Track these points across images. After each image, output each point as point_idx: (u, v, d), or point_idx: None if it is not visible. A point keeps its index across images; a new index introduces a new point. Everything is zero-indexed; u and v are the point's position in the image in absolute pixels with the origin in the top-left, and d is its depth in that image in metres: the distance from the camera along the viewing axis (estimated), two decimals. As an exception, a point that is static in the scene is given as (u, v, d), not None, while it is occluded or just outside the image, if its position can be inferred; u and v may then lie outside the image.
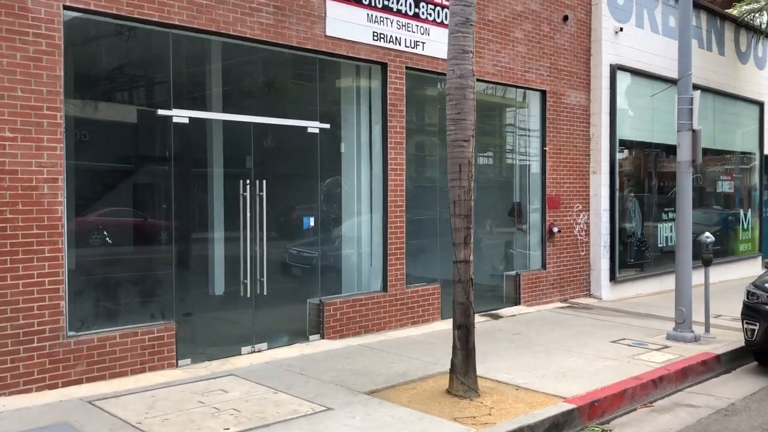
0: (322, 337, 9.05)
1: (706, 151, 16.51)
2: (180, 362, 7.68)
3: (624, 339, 9.58)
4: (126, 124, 8.13)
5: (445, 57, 10.29)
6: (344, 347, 8.77)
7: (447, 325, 10.18)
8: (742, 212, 17.75)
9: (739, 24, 17.03)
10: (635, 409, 7.18)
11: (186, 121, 7.77)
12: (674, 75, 14.58)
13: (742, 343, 9.31)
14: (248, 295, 8.35)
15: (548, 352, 8.76)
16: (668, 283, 14.53)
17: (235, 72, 9.07)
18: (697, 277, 9.75)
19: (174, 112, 7.70)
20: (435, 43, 10.21)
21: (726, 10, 16.93)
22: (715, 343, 9.35)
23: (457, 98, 6.72)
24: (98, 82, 7.88)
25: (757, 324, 8.50)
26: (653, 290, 14.21)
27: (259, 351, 8.41)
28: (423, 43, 10.07)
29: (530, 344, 9.15)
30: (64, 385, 6.80)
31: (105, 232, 7.74)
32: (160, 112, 7.66)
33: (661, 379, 7.75)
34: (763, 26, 17.35)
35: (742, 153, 17.94)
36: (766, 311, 8.44)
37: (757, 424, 6.72)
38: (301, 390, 6.93)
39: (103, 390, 6.81)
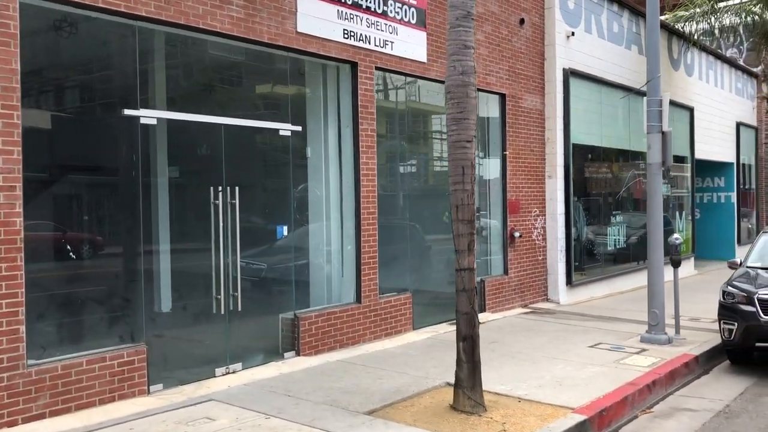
0: (298, 354, 8.47)
1: (645, 156, 16.95)
2: (152, 388, 6.95)
3: (600, 343, 9.48)
4: (89, 125, 7.32)
5: (413, 58, 10.09)
6: (323, 364, 8.23)
7: (418, 336, 9.85)
8: (677, 214, 18.27)
9: (671, 31, 17.56)
10: (636, 416, 7.03)
11: (154, 122, 7.08)
12: (618, 80, 14.93)
13: (715, 343, 9.41)
14: (221, 312, 7.68)
15: (533, 360, 8.52)
16: (617, 285, 14.78)
17: (205, 70, 8.40)
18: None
19: (141, 112, 6.98)
20: (403, 43, 9.86)
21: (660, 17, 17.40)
22: (688, 345, 9.38)
23: (459, 96, 6.37)
24: (58, 79, 7.06)
25: (735, 324, 8.56)
26: (604, 293, 14.35)
27: (234, 372, 7.76)
28: (392, 42, 9.69)
29: (512, 353, 8.89)
30: (25, 421, 5.98)
31: (68, 246, 6.91)
32: (127, 111, 6.93)
33: (654, 384, 7.64)
34: (693, 35, 17.95)
35: (676, 157, 18.48)
36: (743, 311, 8.51)
37: (763, 425, 6.68)
38: (295, 413, 6.37)
39: (70, 424, 6.04)
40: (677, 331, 9.80)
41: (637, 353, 8.89)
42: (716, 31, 21.31)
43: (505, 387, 7.27)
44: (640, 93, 15.55)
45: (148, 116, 7.01)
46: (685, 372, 8.43)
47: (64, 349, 6.56)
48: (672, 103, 17.51)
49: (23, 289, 6.01)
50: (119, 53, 7.28)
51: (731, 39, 23.82)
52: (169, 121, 7.34)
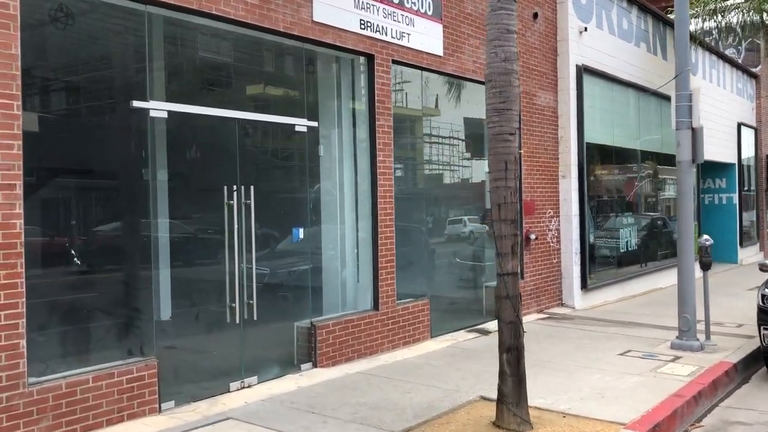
0: (315, 365, 7.90)
1: (655, 156, 16.59)
2: (163, 406, 6.36)
3: (630, 351, 9.00)
4: (95, 118, 6.72)
5: (429, 51, 9.57)
6: (343, 376, 7.67)
7: (438, 344, 9.32)
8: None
9: (678, 29, 17.21)
10: None
11: (164, 115, 6.49)
12: (628, 78, 14.53)
13: (749, 350, 8.99)
14: (236, 321, 7.10)
15: (566, 369, 8.01)
16: (630, 288, 14.35)
17: (218, 61, 7.82)
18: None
19: (151, 104, 6.40)
20: (419, 35, 9.34)
21: (669, 17, 17.06)
22: (721, 351, 8.93)
23: (501, 85, 5.86)
24: (60, 67, 6.45)
25: (778, 329, 8.12)
26: (617, 297, 13.92)
27: (249, 386, 7.18)
28: (408, 34, 9.17)
29: (541, 362, 8.38)
30: (26, 446, 5.37)
31: (72, 251, 6.30)
32: (135, 104, 6.34)
33: (699, 395, 7.16)
34: (699, 34, 17.63)
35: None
36: (785, 316, 8.08)
37: (827, 440, 6.22)
38: (324, 433, 5.82)
39: (77, 449, 5.43)
40: (708, 337, 9.34)
41: (672, 361, 8.42)
42: (715, 31, 21.02)
43: (544, 400, 6.76)
44: (658, 95, 15.25)
45: (158, 109, 6.42)
46: (726, 381, 7.96)
47: (68, 365, 5.95)
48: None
49: (24, 299, 5.40)
50: (128, 41, 6.70)
51: (730, 39, 23.62)
52: (181, 114, 6.75)
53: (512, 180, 5.87)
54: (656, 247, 16.35)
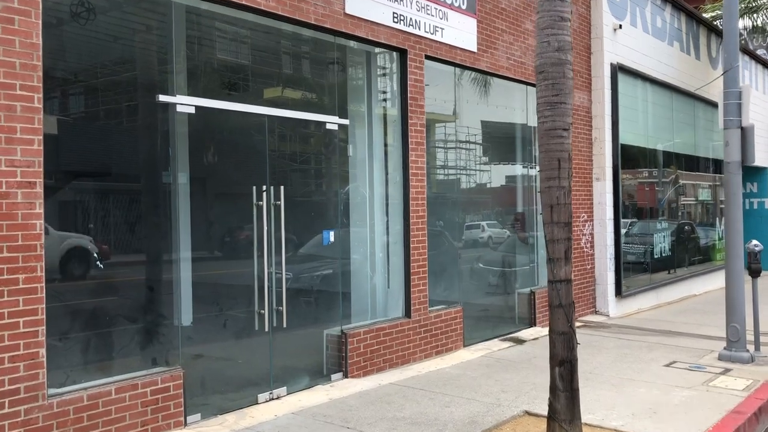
0: (345, 375, 7.51)
1: (688, 159, 16.07)
2: (189, 419, 5.98)
3: (675, 362, 8.53)
4: (118, 112, 6.38)
5: (463, 46, 9.17)
6: (376, 387, 7.26)
7: (471, 354, 8.89)
8: (717, 221, 17.36)
9: (711, 28, 16.71)
10: (750, 451, 6.08)
11: (192, 110, 6.13)
12: (662, 77, 14.04)
13: (803, 362, 8.49)
14: (265, 329, 6.71)
15: (609, 381, 7.56)
16: (664, 296, 13.86)
17: (247, 54, 7.45)
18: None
19: (178, 98, 6.04)
20: (453, 30, 8.94)
21: (703, 15, 16.58)
22: (774, 363, 8.45)
23: (554, 76, 5.44)
24: (82, 58, 6.11)
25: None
26: (651, 304, 13.42)
27: (278, 398, 6.79)
28: (441, 29, 8.77)
29: (582, 373, 7.84)
30: (45, 462, 5.00)
31: (94, 254, 5.94)
32: (162, 98, 5.98)
33: (760, 411, 6.69)
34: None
35: (716, 161, 17.61)
36: None
37: None
38: (362, 451, 5.41)
39: (99, 466, 5.06)
40: (757, 348, 8.85)
41: (723, 374, 7.94)
42: (744, 32, 20.46)
43: (594, 416, 6.31)
44: (693, 96, 14.74)
45: (185, 103, 6.06)
46: (783, 396, 7.48)
47: (89, 375, 5.59)
48: (710, 103, 16.76)
49: (44, 305, 5.04)
50: (152, 33, 6.35)
51: (759, 39, 23.05)
52: (208, 110, 6.39)
53: (566, 179, 5.44)
54: (689, 253, 15.83)
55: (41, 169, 5.04)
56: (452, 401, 6.76)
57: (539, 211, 11.02)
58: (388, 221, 8.49)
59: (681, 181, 15.61)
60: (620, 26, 12.43)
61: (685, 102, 15.24)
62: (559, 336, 5.48)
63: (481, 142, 10.51)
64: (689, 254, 15.86)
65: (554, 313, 5.51)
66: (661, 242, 14.16)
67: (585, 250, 11.87)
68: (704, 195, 16.96)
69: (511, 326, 10.32)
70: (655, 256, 13.88)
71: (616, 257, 12.22)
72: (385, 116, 8.53)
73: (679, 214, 15.96)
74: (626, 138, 12.77)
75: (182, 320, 7.02)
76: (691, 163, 16.18)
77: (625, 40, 12.69)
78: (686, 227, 16.56)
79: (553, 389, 5.52)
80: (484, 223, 11.01)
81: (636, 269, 13.37)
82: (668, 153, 14.79)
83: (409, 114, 8.32)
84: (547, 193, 5.49)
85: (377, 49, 8.27)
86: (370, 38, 7.81)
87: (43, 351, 5.02)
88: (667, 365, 8.38)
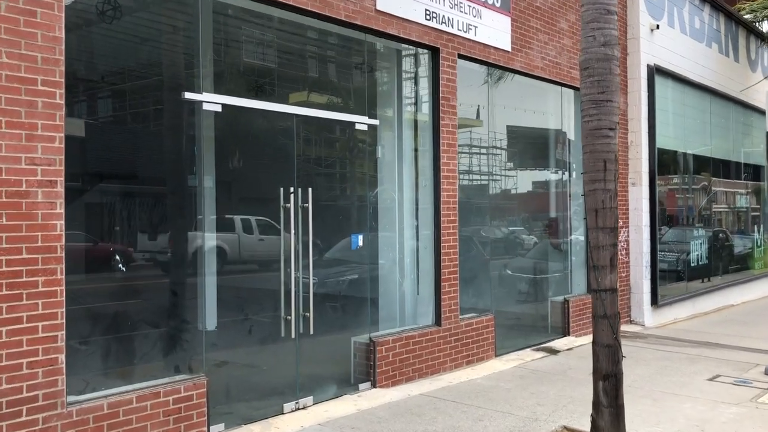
0: (374, 385, 7.23)
1: (725, 164, 15.58)
2: (212, 429, 5.74)
3: (719, 376, 8.12)
4: (143, 110, 6.19)
5: (497, 45, 8.88)
6: (405, 398, 6.98)
7: (504, 364, 8.55)
8: (756, 228, 16.83)
9: (750, 29, 16.22)
10: (806, 474, 5.69)
11: (218, 108, 5.91)
12: (700, 80, 13.61)
13: None
14: (291, 335, 6.46)
15: (651, 396, 7.20)
16: (700, 305, 13.41)
17: (275, 52, 7.24)
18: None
19: (205, 96, 5.83)
20: (486, 29, 8.65)
21: (743, 16, 16.09)
22: (823, 378, 8.00)
23: (600, 73, 5.14)
24: (105, 54, 5.93)
25: None
26: (688, 314, 12.98)
27: (304, 407, 6.54)
28: (475, 27, 8.49)
29: (624, 387, 7.55)
30: (63, 473, 4.79)
31: (116, 257, 5.74)
32: (188, 95, 5.77)
33: (815, 431, 6.28)
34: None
35: (754, 167, 17.08)
36: None
37: None
38: (393, 466, 5.13)
39: (119, 479, 4.84)
40: (805, 362, 8.42)
41: (771, 389, 7.54)
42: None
43: (637, 433, 5.97)
44: (732, 100, 14.27)
45: (212, 101, 5.85)
46: (837, 414, 7.05)
47: (110, 383, 5.38)
48: (748, 106, 16.26)
49: (64, 309, 4.84)
50: (178, 29, 6.16)
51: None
52: (235, 108, 6.17)
53: (612, 182, 5.14)
54: (725, 262, 15.33)
55: (62, 168, 4.84)
56: (486, 414, 6.46)
57: (573, 216, 10.74)
58: (417, 225, 8.22)
59: (717, 188, 15.14)
60: (657, 26, 12.05)
61: (723, 106, 14.78)
62: (603, 348, 5.17)
63: (510, 146, 10.18)
64: (725, 262, 15.37)
65: (598, 324, 5.20)
66: (697, 250, 13.71)
67: (620, 257, 11.47)
68: (741, 201, 16.44)
69: (543, 335, 9.97)
70: (692, 264, 13.43)
71: (652, 265, 11.81)
72: (415, 117, 8.27)
73: (715, 220, 15.48)
74: (664, 142, 12.38)
75: (206, 325, 6.82)
76: (727, 168, 15.69)
77: (662, 41, 12.29)
78: (720, 234, 16.07)
79: (596, 405, 5.21)
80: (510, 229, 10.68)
81: (670, 277, 12.94)
82: (705, 158, 14.34)
83: (440, 115, 8.04)
84: (592, 197, 5.18)
85: (408, 48, 8.02)
86: (401, 36, 7.56)
87: (62, 357, 4.82)
88: (711, 379, 7.99)
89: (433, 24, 7.88)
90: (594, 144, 5.17)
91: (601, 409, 5.15)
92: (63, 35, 4.85)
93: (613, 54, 5.15)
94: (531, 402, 6.90)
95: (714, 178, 15.02)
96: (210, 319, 6.78)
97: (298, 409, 6.48)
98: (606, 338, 5.15)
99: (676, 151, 13.23)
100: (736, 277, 15.35)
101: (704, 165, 14.42)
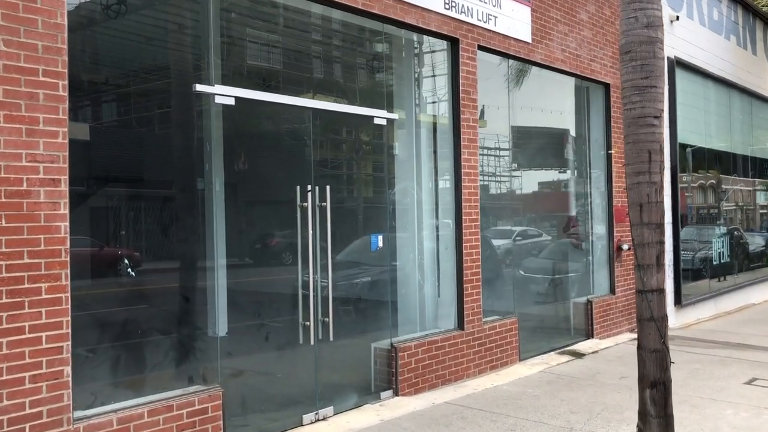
0: (396, 393, 6.86)
1: (744, 159, 15.19)
2: (228, 444, 5.38)
3: (756, 380, 7.74)
4: (152, 102, 5.84)
5: (517, 37, 8.51)
6: (430, 407, 6.61)
7: (529, 369, 8.17)
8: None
9: (767, 22, 15.84)
10: None
11: (231, 101, 5.55)
12: (719, 73, 13.23)
13: None
14: (310, 342, 6.10)
15: (688, 401, 6.81)
16: (723, 305, 13.03)
17: (289, 43, 6.89)
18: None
19: (217, 88, 5.47)
20: (506, 19, 8.29)
21: (761, 8, 15.71)
22: None
23: (644, 57, 4.78)
24: (110, 43, 5.58)
25: None
26: (711, 314, 12.59)
27: (324, 418, 6.17)
28: (495, 17, 8.13)
29: (656, 391, 7.17)
30: (70, 495, 4.44)
31: (125, 260, 5.39)
32: (199, 87, 5.41)
33: None
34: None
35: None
36: None
37: None
38: (424, 483, 4.76)
39: (130, 500, 4.48)
40: None
41: (813, 393, 7.15)
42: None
43: (681, 443, 5.58)
44: (751, 94, 13.89)
45: (225, 94, 5.49)
46: None
47: (119, 395, 5.02)
48: (767, 100, 15.87)
49: (69, 317, 4.49)
50: (189, 16, 5.81)
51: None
52: (248, 102, 5.81)
53: (657, 174, 4.76)
54: (740, 260, 14.93)
55: (66, 165, 4.49)
56: (517, 424, 6.08)
57: (594, 215, 10.37)
58: (437, 225, 7.86)
59: (735, 185, 14.75)
60: (677, 18, 11.67)
61: (742, 99, 14.40)
62: (650, 354, 4.79)
63: (528, 144, 9.80)
64: (740, 260, 14.97)
65: (644, 328, 4.82)
66: (721, 248, 13.32)
67: (642, 256, 11.07)
68: (761, 198, 16.05)
69: (567, 338, 9.59)
70: (714, 263, 13.04)
71: (675, 264, 11.42)
72: (434, 112, 7.92)
73: (737, 218, 15.10)
74: (684, 137, 12.00)
75: (219, 331, 6.45)
76: (747, 164, 15.30)
77: (682, 33, 11.92)
78: (735, 232, 15.69)
79: (643, 415, 4.83)
80: (517, 228, 10.25)
81: (695, 276, 12.55)
82: (727, 154, 13.96)
83: (461, 109, 7.68)
84: (636, 190, 4.81)
85: (427, 39, 7.66)
86: (420, 25, 7.20)
87: (68, 369, 4.47)
88: (748, 383, 7.60)
89: (452, 13, 7.52)
90: (637, 133, 4.80)
91: (649, 419, 4.77)
92: (66, 22, 4.50)
93: (657, 36, 4.79)
94: (563, 410, 6.52)
95: (734, 176, 14.63)
96: (222, 325, 6.42)
97: (318, 420, 6.12)
98: (653, 342, 4.77)
99: (698, 147, 12.84)
100: (755, 275, 14.96)
101: (725, 160, 14.04)
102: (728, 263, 13.77)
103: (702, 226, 13.64)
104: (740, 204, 15.53)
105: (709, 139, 13.21)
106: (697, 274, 12.80)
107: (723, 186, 14.19)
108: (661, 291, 4.79)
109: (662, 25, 4.83)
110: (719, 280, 13.72)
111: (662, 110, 4.82)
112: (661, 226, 4.80)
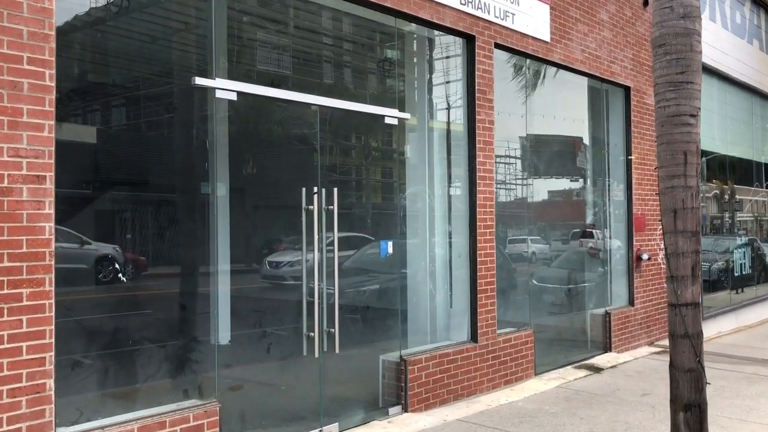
0: (405, 409, 6.47)
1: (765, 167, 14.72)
2: (224, 463, 5.01)
3: (787, 398, 7.31)
4: (148, 97, 5.50)
5: (535, 35, 8.14)
6: (441, 425, 6.22)
7: (545, 384, 7.76)
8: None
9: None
10: None
11: (233, 96, 5.21)
12: (741, 78, 12.80)
13: None
14: (315, 354, 5.72)
15: (718, 423, 6.40)
16: (743, 318, 12.56)
17: (297, 38, 6.55)
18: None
19: (218, 82, 5.13)
20: (524, 17, 7.93)
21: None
22: None
23: (679, 50, 4.41)
24: (102, 31, 5.24)
25: None
26: (732, 327, 12.14)
27: (329, 436, 5.79)
28: (512, 14, 7.76)
29: (682, 410, 6.75)
30: None
31: (115, 264, 5.04)
32: (199, 81, 5.07)
33: None
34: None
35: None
36: None
37: None
38: None
39: None
40: None
41: None
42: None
43: (713, 469, 5.17)
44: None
45: (225, 89, 5.14)
46: None
47: (108, 410, 4.66)
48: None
49: (52, 326, 4.14)
50: (190, 4, 5.47)
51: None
52: (252, 98, 5.47)
53: (693, 177, 4.39)
54: (763, 271, 14.45)
55: (52, 161, 4.15)
56: (535, 445, 5.69)
57: (611, 225, 9.96)
58: (450, 231, 7.48)
59: (757, 196, 14.30)
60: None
61: (765, 106, 13.96)
62: (684, 374, 4.39)
63: (543, 150, 9.39)
64: (764, 272, 14.50)
65: (677, 345, 4.43)
66: (742, 258, 12.87)
67: (662, 266, 10.65)
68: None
69: (584, 352, 9.18)
70: (736, 274, 12.59)
71: (696, 275, 10.96)
72: (448, 112, 7.55)
73: (755, 228, 14.63)
74: (705, 143, 11.56)
75: (219, 339, 6.07)
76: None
77: (704, 36, 11.44)
78: (754, 243, 15.21)
79: (676, 440, 4.42)
80: (529, 237, 9.84)
81: (714, 288, 12.10)
82: (749, 161, 13.52)
83: (476, 109, 7.31)
84: (670, 195, 4.43)
85: (441, 36, 7.31)
86: (434, 21, 6.84)
87: (50, 382, 4.11)
88: (778, 402, 7.18)
89: (468, 9, 7.16)
90: (672, 133, 4.42)
91: (683, 444, 4.36)
92: (54, 6, 4.18)
93: (694, 28, 4.42)
94: (583, 429, 6.12)
95: (756, 185, 14.18)
96: (223, 333, 6.05)
97: (322, 438, 5.74)
98: (688, 361, 4.37)
99: (719, 154, 12.42)
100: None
101: (748, 169, 13.60)
102: (749, 275, 13.32)
103: (719, 236, 13.20)
104: (756, 214, 15.07)
105: (731, 146, 12.78)
106: (716, 285, 12.35)
107: (739, 196, 13.74)
108: (697, 305, 4.40)
109: (700, 16, 4.45)
110: (737, 292, 13.27)
111: (699, 108, 4.44)
112: (696, 234, 4.42)
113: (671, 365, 4.49)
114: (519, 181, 8.96)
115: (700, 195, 4.52)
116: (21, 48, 4.03)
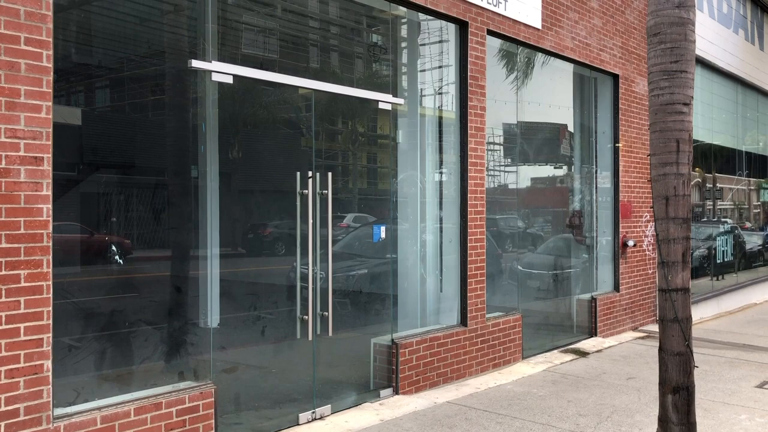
0: (396, 392, 6.56)
1: (750, 157, 14.93)
2: (220, 444, 5.06)
3: (767, 383, 7.48)
4: (143, 79, 5.48)
5: (527, 22, 8.18)
6: (431, 407, 6.30)
7: (532, 367, 7.89)
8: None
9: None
10: None
11: (229, 79, 5.20)
12: (727, 68, 12.94)
13: None
14: (308, 337, 5.77)
15: (701, 406, 6.48)
16: (725, 304, 12.79)
17: (293, 22, 6.53)
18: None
19: (214, 65, 5.12)
20: (517, 3, 7.96)
21: None
22: None
23: (673, 39, 4.45)
24: (99, 13, 5.21)
25: None
26: (713, 313, 12.35)
27: (321, 417, 5.85)
28: (505, 1, 7.79)
29: (666, 394, 6.89)
30: (49, 499, 4.11)
31: (112, 247, 5.04)
32: (195, 63, 5.06)
33: None
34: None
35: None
36: None
37: None
38: (429, 491, 4.45)
39: (114, 505, 4.15)
40: None
41: (828, 398, 6.89)
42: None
43: (698, 450, 5.29)
44: (760, 91, 13.53)
45: (222, 71, 5.14)
46: None
47: (104, 391, 4.69)
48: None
49: (50, 308, 4.15)
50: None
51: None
52: (248, 81, 5.47)
53: (685, 165, 4.46)
54: (743, 258, 14.69)
55: (50, 143, 4.14)
56: (524, 427, 5.79)
57: (597, 212, 10.07)
58: (441, 216, 7.54)
59: (739, 185, 14.50)
60: (688, 9, 11.34)
61: (750, 96, 14.13)
62: (673, 357, 4.49)
63: (532, 138, 9.47)
64: (744, 259, 14.74)
65: (667, 329, 4.52)
66: (724, 246, 13.07)
67: (647, 252, 10.82)
68: (765, 196, 15.81)
69: (570, 336, 9.31)
70: (717, 261, 12.79)
71: (680, 262, 11.13)
72: (440, 98, 7.58)
73: (735, 215, 14.85)
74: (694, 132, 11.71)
75: (211, 322, 6.10)
76: (757, 161, 15.06)
77: (691, 25, 11.59)
78: (735, 231, 15.45)
79: (663, 421, 4.53)
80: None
81: (695, 275, 12.28)
82: (733, 150, 13.69)
83: (468, 95, 7.35)
84: (662, 182, 4.50)
85: (434, 22, 7.32)
86: (428, 6, 6.85)
87: (48, 363, 4.13)
88: (759, 386, 7.34)
89: (461, -5, 7.18)
90: (665, 121, 4.49)
91: (670, 426, 4.47)
92: (51, -14, 4.14)
93: (688, 17, 4.47)
94: (570, 412, 6.23)
95: (739, 173, 14.38)
96: (215, 316, 6.08)
97: (315, 419, 5.80)
98: (676, 345, 4.47)
99: (704, 143, 12.57)
100: (756, 274, 14.74)
101: (732, 158, 13.78)
102: (730, 262, 13.54)
103: (700, 223, 13.38)
104: (737, 203, 15.29)
105: (716, 135, 12.93)
106: (698, 271, 12.53)
107: (720, 184, 13.93)
108: (686, 290, 4.50)
109: (694, 6, 4.51)
110: (718, 279, 13.49)
111: (692, 97, 4.51)
112: (687, 220, 4.50)
113: (660, 349, 4.58)
114: (508, 168, 9.02)
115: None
116: (18, 28, 4.01)
